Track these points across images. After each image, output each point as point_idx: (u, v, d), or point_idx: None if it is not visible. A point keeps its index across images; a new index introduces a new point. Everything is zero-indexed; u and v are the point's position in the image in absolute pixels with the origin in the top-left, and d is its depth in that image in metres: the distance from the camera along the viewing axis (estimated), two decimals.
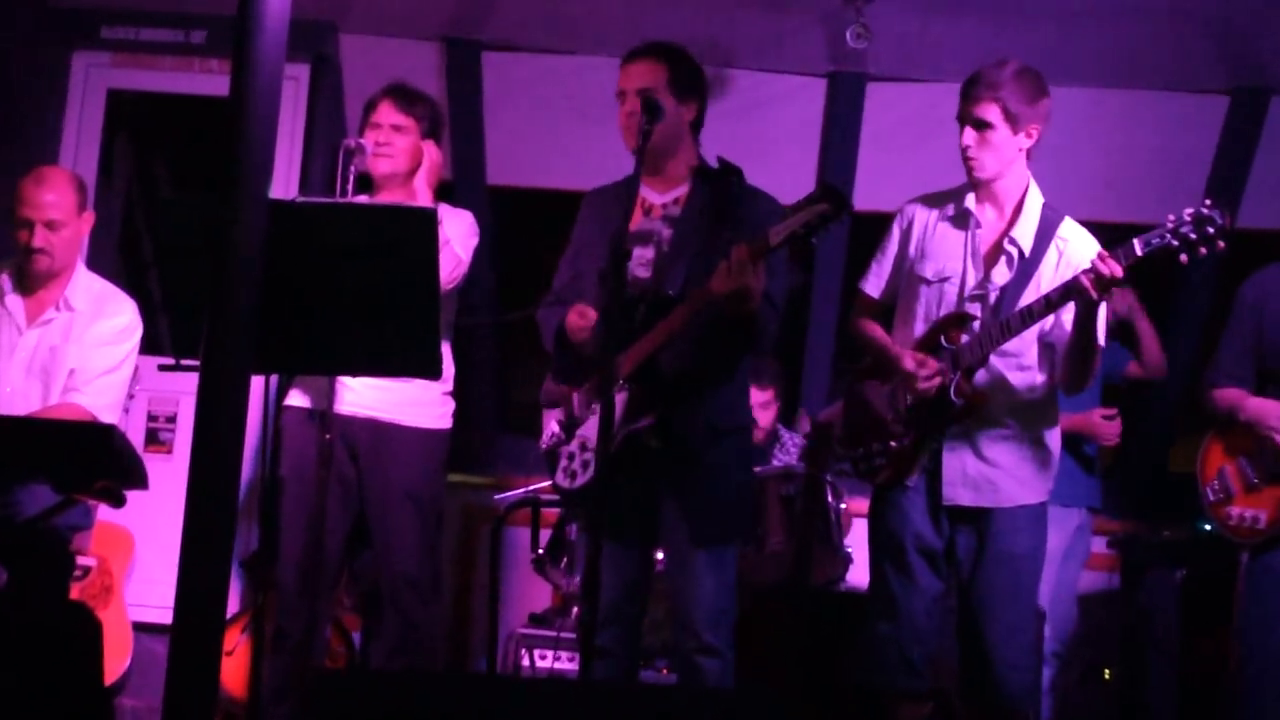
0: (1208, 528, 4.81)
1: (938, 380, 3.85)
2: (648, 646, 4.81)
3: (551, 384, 3.98)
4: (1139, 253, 3.62)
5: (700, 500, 3.82)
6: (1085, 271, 3.63)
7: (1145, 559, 5.53)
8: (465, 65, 6.20)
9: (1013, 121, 3.85)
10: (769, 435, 5.79)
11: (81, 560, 5.07)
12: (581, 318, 3.82)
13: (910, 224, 4.07)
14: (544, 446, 3.97)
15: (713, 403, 3.84)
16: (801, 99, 6.26)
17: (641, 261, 3.85)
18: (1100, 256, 3.61)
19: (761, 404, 5.62)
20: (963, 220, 3.98)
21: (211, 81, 6.07)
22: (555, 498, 4.79)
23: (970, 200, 3.97)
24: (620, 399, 3.69)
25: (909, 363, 3.89)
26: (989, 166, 3.89)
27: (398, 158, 4.44)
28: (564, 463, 3.89)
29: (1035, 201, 3.96)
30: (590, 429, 3.76)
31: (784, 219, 3.54)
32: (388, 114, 4.46)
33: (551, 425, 3.96)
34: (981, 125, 3.85)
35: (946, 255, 3.97)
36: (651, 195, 3.94)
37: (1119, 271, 3.58)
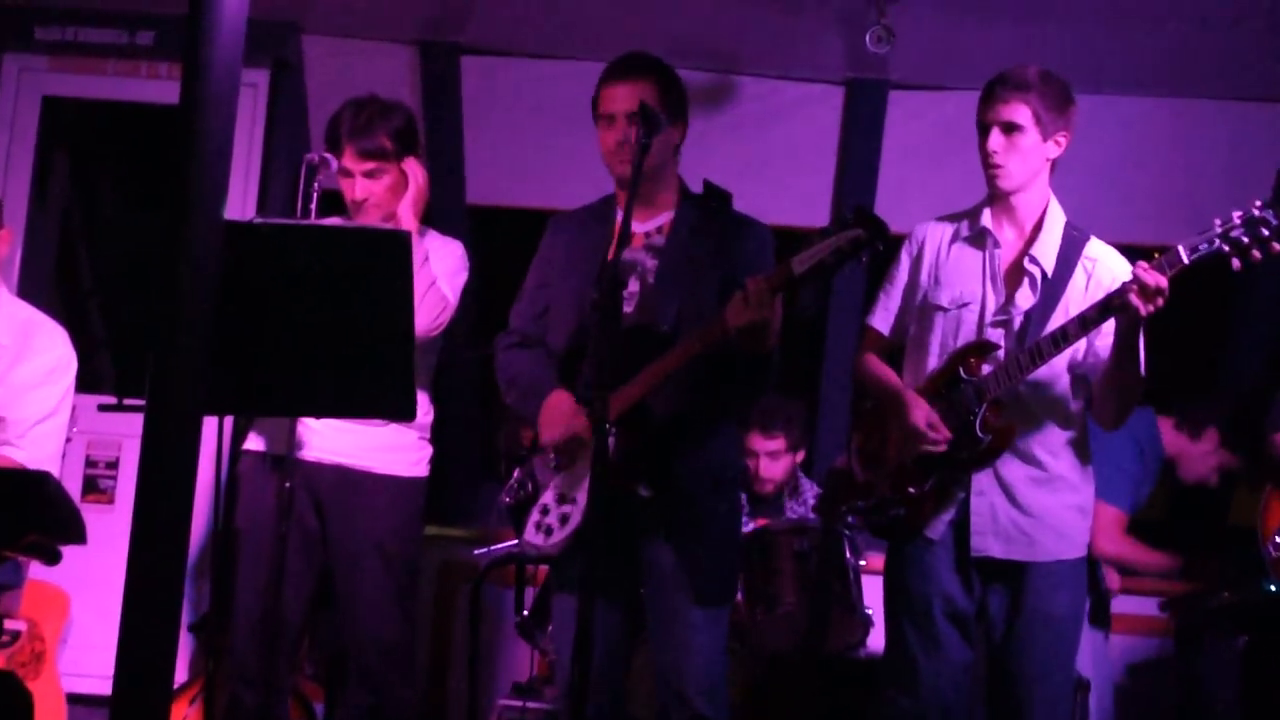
0: (1273, 588, 4.80)
1: (943, 448, 3.86)
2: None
3: (513, 433, 4.00)
4: (1185, 260, 3.61)
5: (701, 555, 3.82)
6: (1127, 283, 3.63)
7: (1202, 623, 5.50)
8: (442, 71, 6.22)
9: (1042, 127, 3.87)
10: (779, 487, 5.74)
11: (10, 624, 5.04)
12: (570, 411, 3.82)
13: (921, 249, 4.09)
14: (507, 500, 3.97)
15: (712, 449, 3.86)
16: (816, 109, 6.29)
17: (625, 294, 3.86)
18: (1141, 266, 3.61)
19: (769, 453, 5.60)
20: (980, 240, 3.99)
21: (159, 88, 6.09)
22: None
23: (987, 218, 3.98)
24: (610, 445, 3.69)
25: (918, 418, 3.88)
26: (1015, 175, 3.91)
27: (384, 202, 4.42)
28: (535, 517, 3.88)
29: (1057, 219, 3.97)
30: (571, 480, 3.77)
31: (810, 245, 3.50)
32: (354, 162, 4.40)
33: (523, 479, 3.96)
34: (1010, 128, 3.87)
35: (964, 279, 3.99)
36: (633, 222, 3.92)
37: (1163, 281, 3.58)
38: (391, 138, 4.42)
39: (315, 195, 4.24)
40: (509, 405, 4.06)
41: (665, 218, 3.95)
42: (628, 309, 3.85)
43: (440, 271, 4.36)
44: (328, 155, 4.35)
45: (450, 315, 4.41)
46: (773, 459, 5.62)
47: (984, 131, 3.91)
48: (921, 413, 3.88)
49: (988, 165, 3.92)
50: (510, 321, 4.12)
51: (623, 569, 3.85)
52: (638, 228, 3.93)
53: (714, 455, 3.87)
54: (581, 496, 3.72)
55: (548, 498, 3.84)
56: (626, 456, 3.71)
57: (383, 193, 4.42)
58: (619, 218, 3.90)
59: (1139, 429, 5.31)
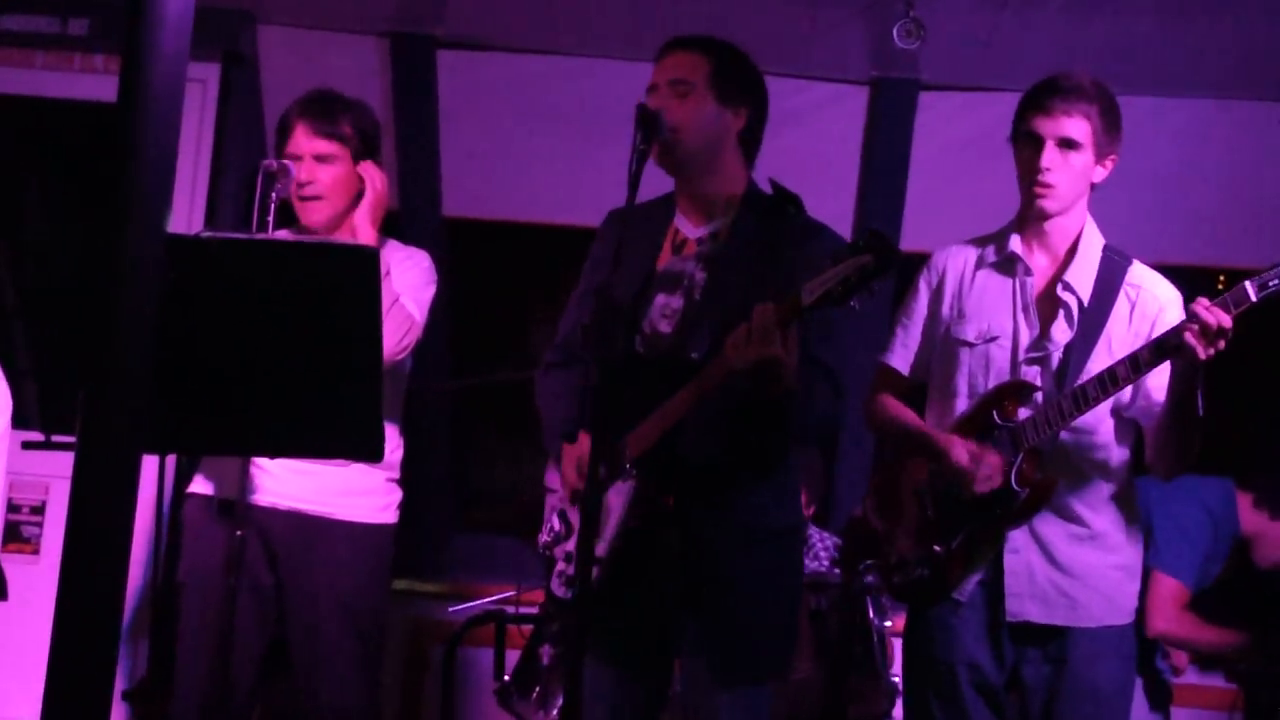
0: None
1: (999, 480, 3.83)
2: None
3: (555, 468, 3.93)
4: (1253, 297, 3.56)
5: (727, 625, 3.73)
6: (1185, 322, 3.60)
7: (1277, 696, 5.48)
8: (416, 67, 6.22)
9: (1098, 146, 3.87)
10: None
11: None
12: (573, 470, 3.76)
13: (942, 278, 4.08)
14: (542, 544, 3.91)
15: (748, 497, 3.77)
16: (839, 110, 6.29)
17: (666, 312, 3.81)
18: (1202, 304, 3.57)
19: None
20: (1008, 266, 3.98)
21: (94, 83, 6.08)
22: (527, 612, 4.75)
23: (1016, 243, 3.97)
24: (626, 489, 3.65)
25: (960, 455, 3.85)
26: (1064, 198, 3.90)
27: (330, 197, 4.40)
28: (560, 565, 3.82)
29: (1094, 242, 3.96)
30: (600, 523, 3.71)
31: (819, 273, 3.43)
32: (306, 142, 4.40)
33: (553, 518, 3.91)
34: (1068, 145, 3.85)
35: (991, 311, 3.97)
36: (686, 227, 3.89)
37: (1227, 321, 3.53)
38: (352, 127, 4.44)
39: (273, 207, 4.22)
40: (541, 426, 4.00)
41: (722, 222, 3.86)
42: (666, 329, 3.79)
43: (405, 286, 4.33)
44: (287, 161, 4.33)
45: (417, 336, 4.39)
46: None
47: (1032, 143, 3.88)
48: (962, 449, 3.85)
49: (1034, 183, 3.88)
50: (556, 335, 4.07)
51: (647, 634, 3.79)
52: (690, 231, 3.88)
53: (756, 505, 3.77)
54: (601, 549, 3.66)
55: (572, 544, 3.76)
56: (648, 500, 3.66)
57: (330, 184, 4.40)
58: (677, 218, 3.87)
59: (1213, 499, 5.27)
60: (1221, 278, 6.16)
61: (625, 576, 3.55)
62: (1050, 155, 3.85)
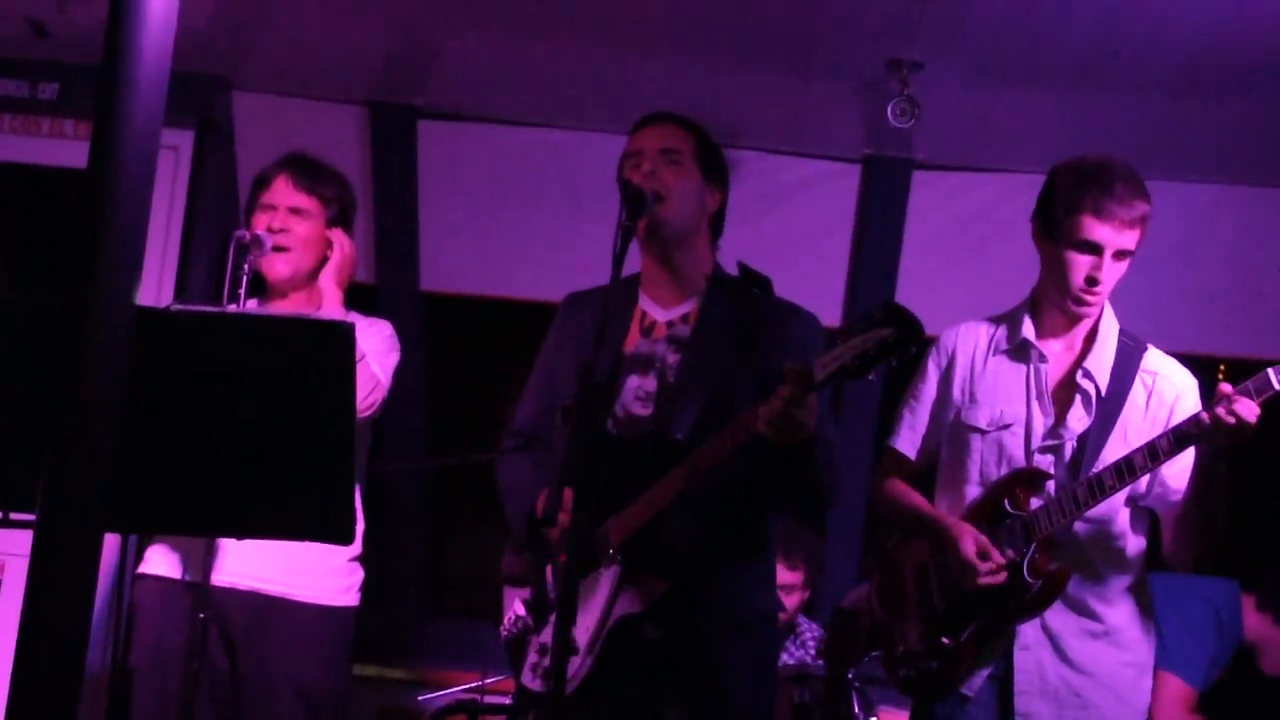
0: None
1: (1003, 576, 3.81)
2: None
3: (515, 555, 3.91)
4: (1277, 386, 3.55)
5: (711, 714, 3.71)
6: (1210, 410, 3.57)
7: None
8: (396, 137, 6.24)
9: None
10: (786, 625, 5.72)
11: None
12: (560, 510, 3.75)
13: (952, 360, 4.06)
14: (504, 634, 3.88)
15: (737, 582, 3.76)
16: (830, 189, 6.31)
17: (639, 394, 3.81)
18: (1226, 394, 3.54)
19: (786, 586, 5.58)
20: (1022, 353, 3.97)
21: (63, 149, 6.08)
22: (500, 701, 4.72)
23: (1029, 328, 3.96)
24: (609, 576, 3.62)
25: (968, 546, 3.82)
26: (1100, 305, 3.90)
27: (298, 251, 4.42)
28: (533, 658, 3.78)
29: (1111, 327, 3.96)
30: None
31: (832, 347, 3.38)
32: (284, 193, 4.44)
33: (516, 606, 3.88)
34: (1125, 256, 3.82)
35: (1005, 397, 3.96)
36: (654, 310, 3.90)
37: (1254, 410, 3.51)
38: (332, 191, 4.50)
39: (245, 279, 4.22)
40: (506, 516, 3.98)
41: (692, 305, 3.89)
42: (643, 411, 3.79)
43: (369, 349, 4.33)
44: (260, 233, 4.35)
45: (383, 396, 4.39)
46: (787, 594, 5.60)
47: (1087, 250, 3.81)
48: (971, 541, 3.82)
49: (1082, 290, 3.84)
50: (514, 420, 4.07)
51: None
52: (659, 315, 3.90)
53: (742, 592, 3.77)
54: (583, 638, 3.63)
55: (547, 635, 3.70)
56: (632, 589, 3.63)
57: (301, 238, 4.42)
58: (640, 304, 3.88)
59: (1220, 599, 5.22)
60: (1222, 367, 6.15)
61: (607, 667, 3.51)
62: (1107, 268, 3.82)
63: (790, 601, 5.66)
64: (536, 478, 3.87)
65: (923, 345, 3.47)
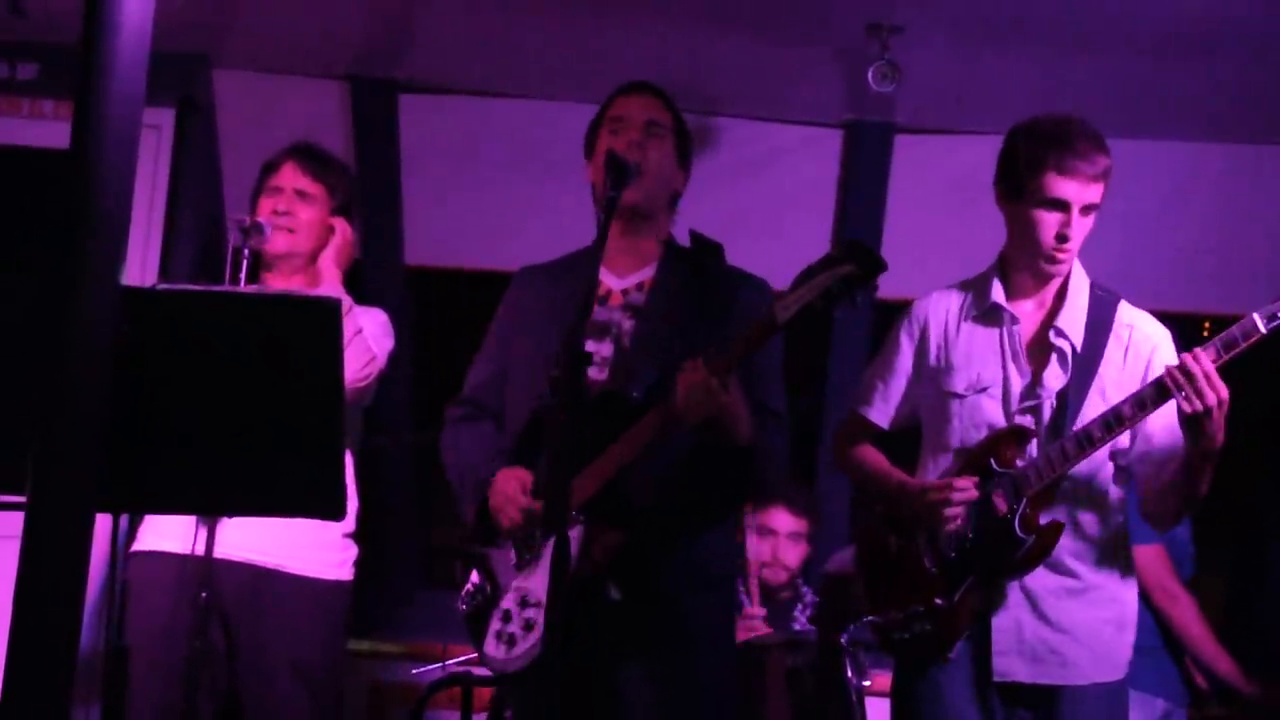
0: None
1: (974, 493, 3.81)
2: None
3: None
4: (1263, 329, 3.56)
5: (681, 676, 3.73)
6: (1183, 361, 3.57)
7: None
8: (377, 111, 6.23)
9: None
10: (791, 580, 5.69)
11: None
12: (519, 492, 3.75)
13: (925, 329, 4.07)
14: (463, 606, 3.88)
15: (701, 540, 3.80)
16: (812, 154, 6.31)
17: (595, 360, 3.80)
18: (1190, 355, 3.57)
19: (792, 534, 5.58)
20: (993, 316, 3.97)
21: (43, 129, 6.06)
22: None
23: (998, 292, 3.96)
24: (573, 536, 3.62)
25: (927, 486, 3.86)
26: (1074, 256, 3.91)
27: (300, 232, 4.48)
28: (495, 625, 3.77)
29: (1082, 282, 3.96)
30: (534, 580, 3.67)
31: (795, 288, 3.46)
32: (291, 177, 4.52)
33: (473, 577, 3.89)
34: (1092, 209, 3.84)
35: (979, 361, 3.96)
36: (609, 279, 3.94)
37: (1209, 368, 3.52)
38: (339, 179, 4.59)
39: (245, 262, 4.25)
40: (452, 487, 4.00)
41: (647, 273, 3.94)
42: (599, 375, 3.81)
43: (367, 331, 4.36)
44: (261, 220, 4.39)
45: (377, 371, 4.44)
46: (793, 541, 5.60)
47: (1054, 208, 3.82)
48: (918, 485, 3.89)
49: (1052, 249, 3.85)
50: (463, 389, 4.09)
51: (590, 696, 3.74)
52: (615, 284, 3.93)
53: (704, 550, 3.80)
54: (546, 599, 3.63)
55: (509, 602, 3.72)
56: (594, 548, 3.65)
57: (305, 220, 4.49)
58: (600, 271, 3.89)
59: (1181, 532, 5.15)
60: (1207, 324, 6.17)
61: (570, 629, 3.52)
62: (1076, 223, 3.83)
63: (797, 552, 5.68)
64: (481, 444, 3.94)
65: (882, 272, 3.44)
